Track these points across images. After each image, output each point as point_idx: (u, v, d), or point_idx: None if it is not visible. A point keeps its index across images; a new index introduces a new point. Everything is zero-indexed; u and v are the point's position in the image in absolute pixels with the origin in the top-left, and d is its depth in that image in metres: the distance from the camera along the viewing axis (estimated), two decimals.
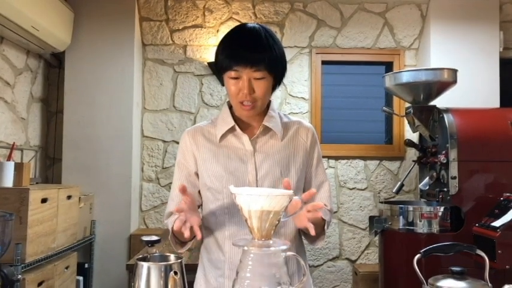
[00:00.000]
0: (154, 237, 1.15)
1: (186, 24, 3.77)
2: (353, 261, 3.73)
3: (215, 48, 1.41)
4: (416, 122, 3.00)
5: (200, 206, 1.50)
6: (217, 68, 1.42)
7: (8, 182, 2.49)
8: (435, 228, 2.75)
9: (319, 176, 1.50)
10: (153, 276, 1.03)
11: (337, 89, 3.87)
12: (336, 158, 3.74)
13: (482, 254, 1.24)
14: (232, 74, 1.34)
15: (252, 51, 1.31)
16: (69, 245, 2.95)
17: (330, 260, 3.73)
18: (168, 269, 1.04)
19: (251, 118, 1.45)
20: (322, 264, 3.73)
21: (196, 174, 1.46)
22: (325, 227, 1.42)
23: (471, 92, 3.42)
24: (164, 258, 1.11)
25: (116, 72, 3.53)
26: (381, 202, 3.22)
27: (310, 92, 3.77)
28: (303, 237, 1.50)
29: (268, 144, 1.43)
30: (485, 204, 2.69)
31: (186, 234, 1.19)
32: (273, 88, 1.45)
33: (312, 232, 1.17)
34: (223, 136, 1.43)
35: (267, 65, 1.33)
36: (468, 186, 2.75)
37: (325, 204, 1.47)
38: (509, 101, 3.52)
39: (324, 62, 3.80)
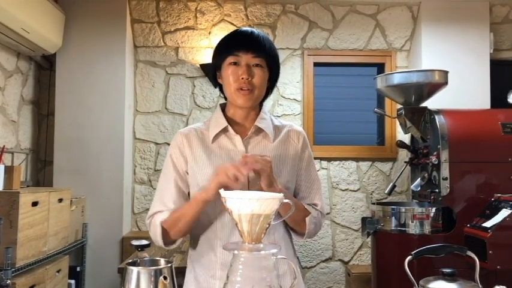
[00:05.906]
0: (144, 242, 1.14)
1: (177, 26, 3.76)
2: (346, 263, 3.74)
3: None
4: (408, 124, 3.01)
5: None
6: (216, 61, 1.44)
7: None
8: (427, 229, 2.76)
9: (310, 176, 1.50)
10: (143, 281, 1.02)
11: (329, 91, 3.88)
12: (329, 160, 3.75)
13: (473, 255, 1.24)
14: (232, 59, 1.39)
15: (252, 39, 1.40)
16: (61, 248, 2.93)
17: (323, 261, 3.74)
18: (158, 273, 1.03)
19: (244, 116, 1.46)
20: (315, 266, 3.73)
21: (187, 175, 1.45)
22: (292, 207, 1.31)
23: (462, 93, 3.44)
24: (154, 262, 1.10)
25: (107, 74, 3.51)
26: (373, 203, 3.22)
27: (302, 93, 3.78)
28: (292, 234, 1.49)
29: (260, 145, 1.44)
30: (477, 205, 2.71)
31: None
32: (267, 91, 1.46)
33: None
34: (215, 137, 1.44)
35: (265, 54, 1.40)
36: (459, 187, 2.77)
37: (315, 204, 1.48)
38: (499, 102, 3.53)
39: (316, 64, 3.81)
